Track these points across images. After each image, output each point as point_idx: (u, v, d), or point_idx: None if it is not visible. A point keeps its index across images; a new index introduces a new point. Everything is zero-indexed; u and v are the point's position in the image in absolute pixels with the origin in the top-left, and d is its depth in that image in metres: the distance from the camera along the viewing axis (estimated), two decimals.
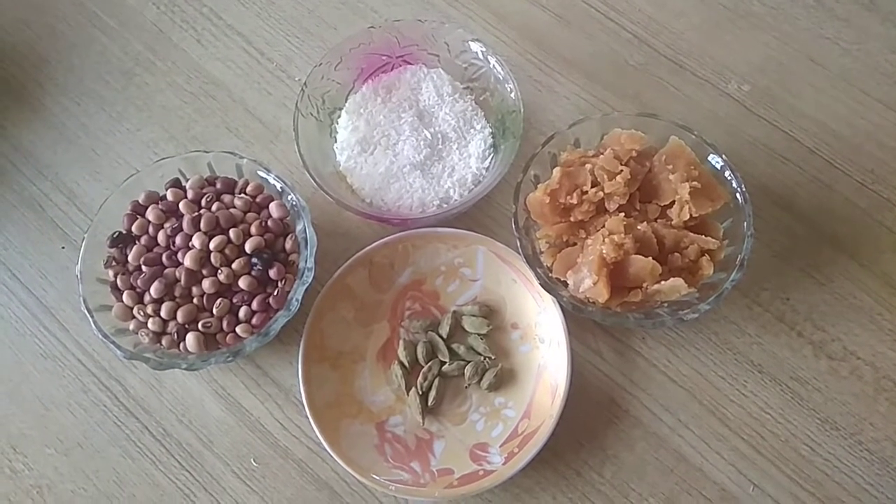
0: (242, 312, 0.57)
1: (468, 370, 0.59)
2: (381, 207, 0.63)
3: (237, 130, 0.70)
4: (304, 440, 0.59)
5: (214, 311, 0.56)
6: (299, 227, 0.59)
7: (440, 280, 0.62)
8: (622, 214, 0.57)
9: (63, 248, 0.66)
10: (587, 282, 0.55)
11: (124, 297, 0.57)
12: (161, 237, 0.58)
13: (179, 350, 0.57)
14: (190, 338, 0.56)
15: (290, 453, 0.59)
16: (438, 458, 0.57)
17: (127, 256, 0.58)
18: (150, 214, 0.59)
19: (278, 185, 0.60)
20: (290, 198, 0.60)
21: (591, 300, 0.56)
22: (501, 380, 0.59)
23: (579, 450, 0.57)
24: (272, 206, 0.60)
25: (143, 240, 0.59)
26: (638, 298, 0.55)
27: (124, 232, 0.59)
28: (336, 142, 0.66)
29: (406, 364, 0.59)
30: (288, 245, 0.59)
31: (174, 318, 0.56)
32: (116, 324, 0.57)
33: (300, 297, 0.57)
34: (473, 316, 0.60)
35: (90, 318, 0.56)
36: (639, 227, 0.56)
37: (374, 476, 0.55)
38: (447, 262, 0.62)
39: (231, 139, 0.69)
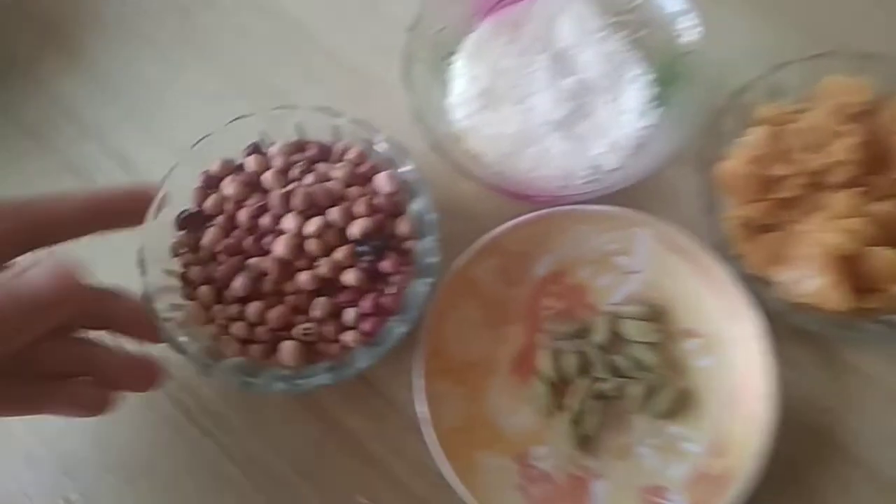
0: (349, 316, 0.44)
1: (633, 390, 0.46)
2: (511, 178, 0.50)
3: (322, 82, 0.56)
4: (425, 475, 0.47)
5: (315, 312, 0.44)
6: (416, 206, 0.47)
7: (588, 272, 0.49)
8: (849, 190, 0.43)
9: None
10: (810, 282, 0.41)
11: (200, 293, 0.45)
12: (242, 216, 0.46)
13: (269, 361, 0.45)
14: (286, 347, 0.44)
15: (408, 489, 0.47)
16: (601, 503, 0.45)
17: (199, 242, 0.46)
18: (228, 188, 0.46)
19: (388, 152, 0.47)
20: (404, 168, 0.47)
21: (810, 305, 0.42)
22: (678, 403, 0.46)
23: (781, 495, 0.45)
24: (380, 179, 0.47)
25: (220, 220, 0.46)
26: (878, 304, 0.41)
27: (195, 210, 0.47)
28: (451, 95, 0.52)
29: (550, 379, 0.47)
30: (402, 229, 0.46)
31: (262, 322, 0.44)
32: (189, 329, 0.45)
33: (421, 298, 0.44)
34: (636, 319, 0.47)
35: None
36: (874, 208, 0.42)
37: None
38: (597, 249, 0.49)
39: (315, 91, 0.56)
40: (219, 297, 0.45)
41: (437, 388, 0.46)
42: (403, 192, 0.47)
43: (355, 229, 0.45)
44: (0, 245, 0.41)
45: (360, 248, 0.45)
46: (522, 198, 0.50)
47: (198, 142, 0.48)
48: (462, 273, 0.48)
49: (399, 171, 0.47)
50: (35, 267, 0.39)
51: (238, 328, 0.44)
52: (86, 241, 0.51)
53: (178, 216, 0.47)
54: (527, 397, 0.48)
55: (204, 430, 0.50)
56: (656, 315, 0.48)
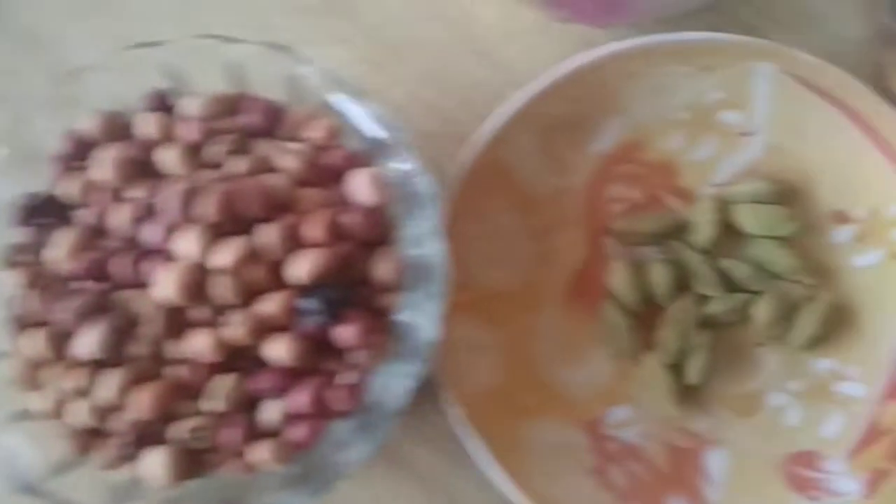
0: (270, 413, 0.26)
1: (760, 310, 0.31)
2: None
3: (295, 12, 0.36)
4: (445, 461, 0.32)
5: (213, 401, 0.25)
6: (412, 232, 0.27)
7: (678, 139, 0.34)
8: None
9: None
10: None
11: (24, 342, 0.26)
12: (119, 217, 0.27)
13: (126, 475, 0.26)
14: (155, 458, 0.25)
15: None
16: (720, 486, 0.31)
17: (45, 249, 0.27)
18: (103, 166, 0.27)
19: (381, 133, 0.28)
20: (401, 164, 0.27)
21: None
22: (828, 325, 0.31)
23: None
24: (359, 179, 0.27)
25: (84, 218, 0.27)
26: None
27: (46, 196, 0.28)
28: None
29: (629, 305, 0.33)
30: (381, 272, 0.27)
31: (121, 407, 0.25)
32: (10, 398, 0.27)
33: (403, 394, 0.25)
34: (756, 203, 0.32)
35: None
36: None
37: None
38: (692, 103, 0.33)
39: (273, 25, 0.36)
40: (59, 352, 0.26)
41: (459, 332, 0.30)
42: (395, 206, 0.28)
43: (301, 268, 0.25)
44: None
45: (303, 302, 0.25)
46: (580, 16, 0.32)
47: (64, 78, 0.29)
48: (486, 157, 0.31)
49: (394, 167, 0.28)
50: None
51: (78, 410, 0.26)
52: None
53: (25, 202, 0.28)
54: (594, 335, 0.33)
55: None
56: (787, 195, 0.32)
